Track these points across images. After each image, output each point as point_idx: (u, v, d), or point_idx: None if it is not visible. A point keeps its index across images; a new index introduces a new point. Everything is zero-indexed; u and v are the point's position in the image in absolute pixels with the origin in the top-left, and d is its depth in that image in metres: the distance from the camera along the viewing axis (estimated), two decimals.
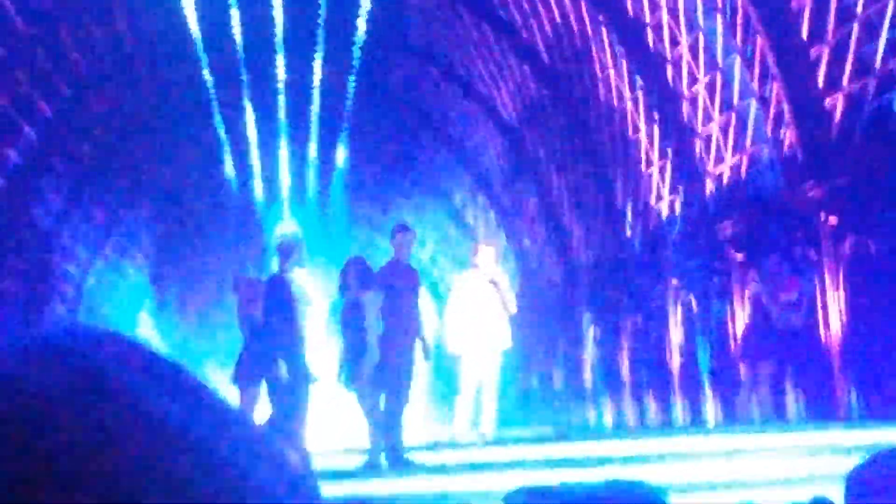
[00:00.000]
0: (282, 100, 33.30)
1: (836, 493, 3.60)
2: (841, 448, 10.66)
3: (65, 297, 33.55)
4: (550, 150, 30.74)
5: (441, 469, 11.77)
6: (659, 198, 25.88)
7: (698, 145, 23.69)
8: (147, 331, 38.77)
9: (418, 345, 12.80)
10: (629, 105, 26.47)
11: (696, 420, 23.09)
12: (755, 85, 21.03)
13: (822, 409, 17.98)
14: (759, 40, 20.28)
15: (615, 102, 26.98)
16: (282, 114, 34.16)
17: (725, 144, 22.71)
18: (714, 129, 23.07)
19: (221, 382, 14.87)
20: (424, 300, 13.24)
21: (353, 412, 12.87)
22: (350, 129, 35.40)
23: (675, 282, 24.71)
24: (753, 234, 20.72)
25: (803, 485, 10.24)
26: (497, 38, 29.51)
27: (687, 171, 24.25)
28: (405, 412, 12.61)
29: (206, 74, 30.81)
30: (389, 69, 32.50)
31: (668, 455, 11.77)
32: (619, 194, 27.91)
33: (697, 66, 23.26)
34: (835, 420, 16.88)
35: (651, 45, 24.55)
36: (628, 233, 27.47)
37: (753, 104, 21.30)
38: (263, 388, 13.02)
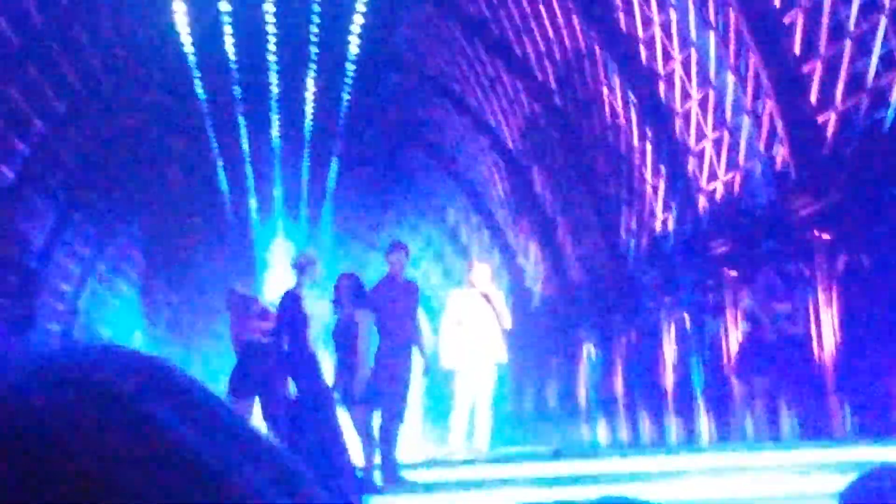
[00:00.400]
0: (275, 116, 33.34)
1: None
2: (834, 466, 10.67)
3: (59, 315, 33.51)
4: (545, 166, 30.77)
5: (436, 486, 11.78)
6: (652, 215, 25.91)
7: (691, 162, 23.72)
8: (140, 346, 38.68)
9: (416, 360, 12.78)
10: (623, 122, 26.51)
11: (690, 438, 23.08)
12: (748, 101, 21.07)
13: (816, 427, 17.96)
14: (752, 57, 20.33)
15: (609, 119, 27.02)
16: (275, 130, 34.20)
17: (718, 161, 22.73)
18: (707, 145, 23.10)
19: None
20: (420, 317, 13.21)
21: (348, 430, 12.83)
22: (343, 146, 35.44)
23: (668, 299, 24.71)
24: (747, 250, 20.73)
25: (797, 502, 10.23)
26: (490, 56, 29.56)
27: (680, 188, 24.27)
28: (400, 429, 12.59)
29: (199, 91, 30.84)
30: (382, 86, 32.52)
31: (663, 473, 11.78)
32: (614, 212, 27.93)
33: (690, 83, 23.31)
34: (829, 438, 16.86)
35: (644, 61, 24.60)
36: (622, 250, 27.49)
37: (746, 120, 21.33)
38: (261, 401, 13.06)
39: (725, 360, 21.57)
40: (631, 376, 26.70)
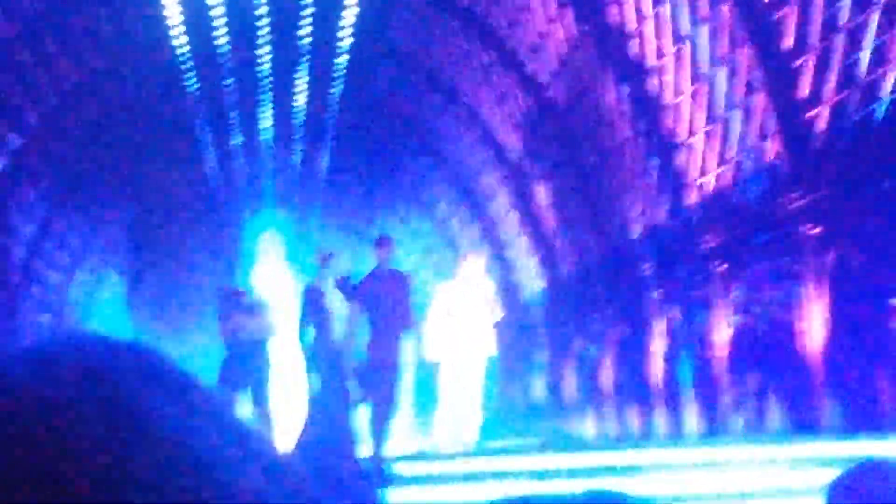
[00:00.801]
0: (266, 109, 33.34)
1: None
2: (822, 460, 10.70)
3: (48, 305, 33.55)
4: (536, 160, 30.80)
5: (424, 479, 11.79)
6: (643, 208, 25.93)
7: (682, 155, 23.75)
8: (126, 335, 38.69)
9: (406, 348, 12.78)
10: (615, 115, 26.53)
11: (678, 432, 23.13)
12: (740, 95, 21.11)
13: (804, 421, 18.00)
14: (744, 51, 20.37)
15: (600, 113, 27.04)
16: (266, 122, 34.19)
17: (709, 155, 22.77)
18: (698, 139, 23.13)
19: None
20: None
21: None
22: (334, 138, 35.46)
23: (658, 293, 24.75)
24: (736, 244, 20.77)
25: (784, 496, 10.25)
26: (482, 49, 29.58)
27: (671, 182, 24.31)
28: (392, 420, 12.58)
29: (191, 83, 30.84)
30: (374, 79, 32.55)
31: (650, 466, 11.80)
32: (604, 205, 27.96)
33: (682, 77, 23.34)
34: (816, 432, 16.91)
35: (636, 55, 24.64)
36: (613, 244, 27.52)
37: (737, 115, 21.36)
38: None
39: (714, 354, 21.61)
40: (619, 370, 26.75)
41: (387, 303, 12.64)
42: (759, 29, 19.90)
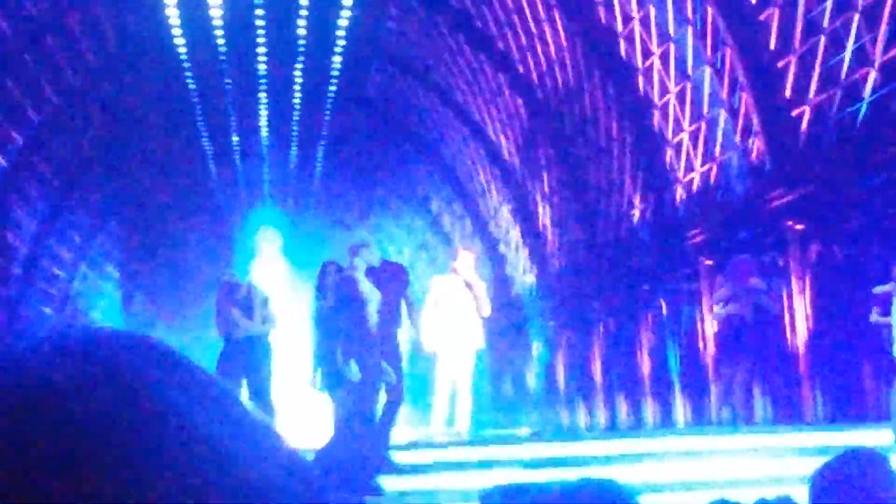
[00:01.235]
0: (263, 107, 33.42)
1: (802, 493, 3.93)
2: (806, 450, 10.96)
3: (52, 299, 33.69)
4: (527, 157, 30.93)
5: (418, 468, 11.94)
6: (631, 205, 26.12)
7: (669, 153, 23.92)
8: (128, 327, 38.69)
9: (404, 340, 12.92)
10: (602, 114, 26.71)
11: (666, 422, 23.34)
12: (725, 95, 21.31)
13: (789, 412, 18.21)
14: (729, 52, 20.56)
15: (589, 112, 27.21)
16: (263, 121, 34.29)
17: (695, 153, 22.94)
18: (684, 137, 23.29)
19: None
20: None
21: (323, 415, 12.85)
22: (329, 136, 35.52)
23: (646, 287, 24.93)
24: (722, 240, 20.92)
25: (769, 485, 10.52)
26: (474, 50, 29.67)
27: (658, 179, 24.49)
28: (399, 409, 12.68)
29: (190, 82, 30.93)
30: (368, 78, 32.63)
31: (639, 455, 12.01)
32: (593, 201, 28.13)
33: (668, 77, 23.52)
34: (801, 422, 17.11)
35: (623, 55, 24.79)
36: (602, 239, 27.67)
37: (723, 114, 21.56)
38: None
39: (701, 345, 21.84)
40: (609, 361, 26.93)
41: (385, 296, 12.81)
42: (743, 30, 20.08)
